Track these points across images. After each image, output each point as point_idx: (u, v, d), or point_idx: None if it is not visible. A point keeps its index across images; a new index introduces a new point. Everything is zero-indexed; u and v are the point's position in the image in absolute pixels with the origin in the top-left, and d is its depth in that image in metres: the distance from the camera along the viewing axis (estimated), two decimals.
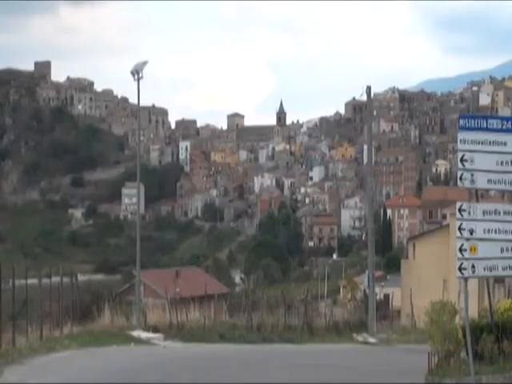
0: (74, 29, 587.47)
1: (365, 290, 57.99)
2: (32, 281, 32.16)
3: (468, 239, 17.27)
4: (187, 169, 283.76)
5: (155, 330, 37.30)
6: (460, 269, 17.28)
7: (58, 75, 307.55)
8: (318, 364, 28.07)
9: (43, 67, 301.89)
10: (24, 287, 30.43)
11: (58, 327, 33.26)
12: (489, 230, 17.44)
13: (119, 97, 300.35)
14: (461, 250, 17.26)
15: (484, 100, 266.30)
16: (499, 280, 21.36)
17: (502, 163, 17.70)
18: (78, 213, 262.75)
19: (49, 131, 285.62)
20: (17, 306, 29.58)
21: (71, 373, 23.04)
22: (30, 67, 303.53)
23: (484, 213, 17.51)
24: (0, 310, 27.95)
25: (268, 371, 25.80)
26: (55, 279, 36.12)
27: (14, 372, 22.23)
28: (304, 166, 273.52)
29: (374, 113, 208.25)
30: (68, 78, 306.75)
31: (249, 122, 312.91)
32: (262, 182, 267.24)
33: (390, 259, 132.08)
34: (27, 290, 30.83)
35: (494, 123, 18.09)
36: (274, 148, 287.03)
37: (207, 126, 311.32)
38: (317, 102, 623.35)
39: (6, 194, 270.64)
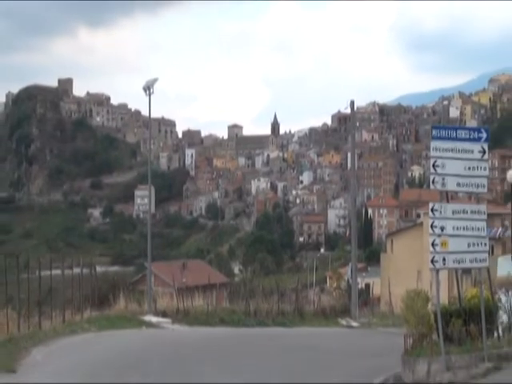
0: (92, 49, 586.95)
1: (348, 280, 58.06)
2: (56, 271, 32.23)
3: (439, 235, 17.27)
4: (192, 173, 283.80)
5: (164, 314, 37.33)
6: (432, 261, 17.29)
7: (78, 91, 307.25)
8: (306, 345, 28.08)
9: (65, 83, 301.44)
10: (49, 277, 30.51)
11: (78, 312, 33.27)
12: (458, 227, 17.45)
13: (133, 110, 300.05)
14: (433, 244, 17.28)
15: (453, 113, 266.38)
16: (467, 271, 21.34)
17: (469, 168, 17.73)
18: (96, 212, 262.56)
19: (70, 140, 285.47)
20: (42, 294, 29.60)
21: (90, 352, 23.04)
22: (54, 83, 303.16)
23: (453, 212, 17.52)
24: (28, 297, 27.99)
25: (261, 351, 25.85)
26: (76, 270, 36.12)
27: (41, 352, 22.23)
28: (295, 171, 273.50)
29: (357, 124, 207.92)
30: (87, 93, 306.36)
31: (247, 132, 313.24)
32: (258, 184, 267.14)
33: (371, 253, 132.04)
34: (51, 279, 30.91)
35: (462, 133, 18.11)
36: (268, 155, 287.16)
37: (210, 136, 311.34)
38: (306, 114, 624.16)
39: (33, 196, 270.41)
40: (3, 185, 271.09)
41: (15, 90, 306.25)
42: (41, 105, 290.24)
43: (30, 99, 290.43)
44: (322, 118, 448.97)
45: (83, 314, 33.30)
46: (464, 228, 17.53)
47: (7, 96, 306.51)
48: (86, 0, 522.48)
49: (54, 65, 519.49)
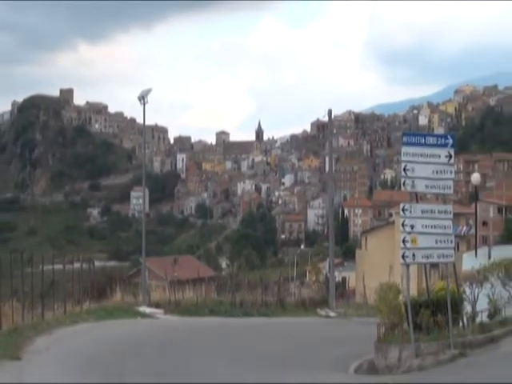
0: (91, 62, 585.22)
1: (326, 274, 58.13)
2: (57, 266, 32.12)
3: (409, 233, 17.34)
4: (183, 176, 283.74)
5: (157, 306, 37.25)
6: (403, 257, 17.36)
7: (78, 100, 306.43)
8: (287, 333, 28.14)
9: (67, 93, 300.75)
10: (51, 272, 30.37)
11: (78, 304, 33.16)
12: (426, 226, 17.52)
13: (128, 117, 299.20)
14: (403, 241, 17.35)
15: (422, 121, 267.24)
16: (434, 266, 21.40)
17: (436, 172, 17.81)
18: (94, 211, 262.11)
19: (71, 145, 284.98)
20: (45, 287, 29.51)
21: (89, 340, 23.00)
22: (56, 93, 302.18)
23: (422, 212, 17.60)
24: (32, 290, 27.90)
25: (245, 338, 25.93)
26: (76, 265, 36.05)
27: (44, 340, 22.15)
28: (277, 174, 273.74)
29: (334, 131, 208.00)
30: (87, 102, 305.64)
31: (233, 138, 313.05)
32: (244, 186, 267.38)
33: (347, 249, 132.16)
34: (54, 274, 30.76)
35: (430, 140, 18.19)
36: (253, 159, 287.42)
37: (199, 142, 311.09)
38: (288, 122, 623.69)
39: (36, 196, 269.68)
40: (9, 186, 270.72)
41: (20, 99, 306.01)
42: (44, 113, 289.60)
43: (33, 108, 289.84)
44: (302, 126, 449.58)
45: (83, 306, 33.21)
46: (432, 226, 17.60)
47: (13, 104, 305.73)
48: (85, 17, 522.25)
49: (56, 76, 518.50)
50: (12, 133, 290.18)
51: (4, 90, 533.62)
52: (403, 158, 17.69)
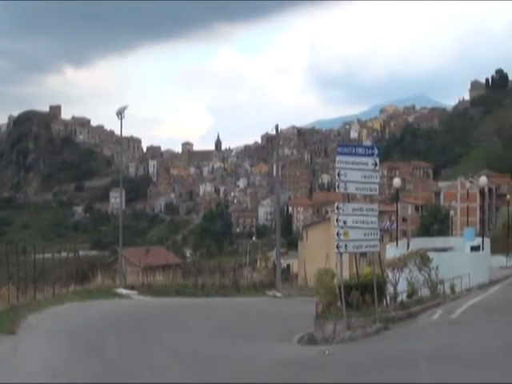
0: (76, 83, 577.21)
1: (274, 261, 58.18)
2: (47, 255, 31.75)
3: (342, 227, 17.43)
4: (154, 179, 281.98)
5: (132, 288, 36.93)
6: (337, 247, 17.45)
7: (65, 115, 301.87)
8: (241, 310, 28.11)
9: (55, 109, 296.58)
10: (42, 260, 30.04)
11: (65, 287, 32.80)
12: (356, 221, 17.62)
13: (108, 130, 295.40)
14: (337, 234, 17.43)
15: (353, 135, 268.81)
16: (363, 254, 21.58)
17: (365, 177, 17.93)
18: (79, 209, 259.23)
19: (59, 153, 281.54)
20: (37, 273, 29.16)
21: (75, 317, 22.78)
22: (46, 109, 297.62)
23: (353, 210, 17.70)
24: (25, 276, 27.57)
25: (206, 313, 25.90)
26: (63, 254, 35.63)
27: (35, 317, 21.89)
28: (233, 178, 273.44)
29: (280, 142, 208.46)
30: (73, 116, 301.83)
31: (196, 147, 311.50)
32: (205, 188, 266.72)
33: (291, 240, 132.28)
34: (44, 261, 30.44)
35: (359, 150, 18.32)
36: (213, 166, 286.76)
37: (168, 150, 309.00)
38: (242, 134, 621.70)
39: (29, 196, 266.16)
40: (6, 187, 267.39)
41: (15, 113, 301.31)
42: (36, 126, 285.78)
43: (27, 121, 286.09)
44: (253, 138, 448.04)
45: (69, 288, 32.85)
46: (361, 222, 17.72)
47: (9, 118, 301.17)
48: (71, 46, 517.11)
49: (46, 95, 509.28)
50: (8, 142, 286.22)
51: (2, 106, 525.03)
52: (337, 165, 17.78)
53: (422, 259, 23.38)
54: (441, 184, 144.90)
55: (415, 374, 11.60)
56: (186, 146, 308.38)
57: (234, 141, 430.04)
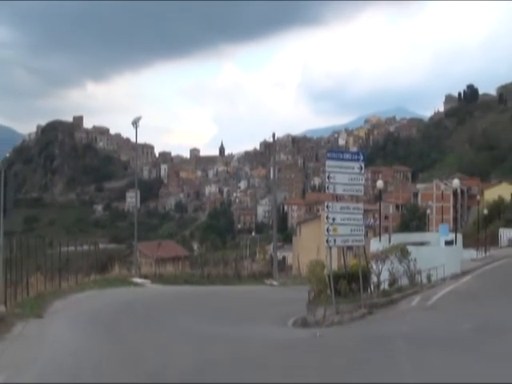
0: (96, 96, 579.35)
1: (271, 254, 58.23)
2: (71, 248, 31.80)
3: (331, 224, 17.45)
4: (165, 181, 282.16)
5: (146, 277, 36.97)
6: (327, 241, 17.46)
7: (87, 124, 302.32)
8: (242, 297, 28.12)
9: (78, 119, 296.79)
10: (66, 252, 30.07)
11: (86, 276, 32.84)
12: (344, 219, 17.65)
13: (124, 137, 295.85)
14: (327, 230, 17.45)
15: (341, 142, 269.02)
16: (350, 248, 21.62)
17: (351, 179, 17.96)
18: (99, 207, 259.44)
19: (81, 158, 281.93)
20: (61, 264, 29.18)
21: (95, 302, 22.78)
22: (70, 119, 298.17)
23: (341, 208, 17.72)
24: (52, 266, 27.57)
25: (211, 300, 25.90)
26: (85, 247, 35.71)
27: (60, 303, 21.89)
28: (235, 180, 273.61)
29: (277, 148, 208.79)
30: (93, 126, 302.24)
31: (202, 153, 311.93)
32: (210, 189, 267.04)
33: (286, 235, 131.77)
34: (68, 253, 30.47)
35: (347, 156, 18.35)
36: (217, 169, 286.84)
37: (178, 156, 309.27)
38: (243, 141, 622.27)
39: (55, 196, 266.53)
40: (34, 188, 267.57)
41: (43, 123, 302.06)
42: (61, 134, 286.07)
43: (53, 130, 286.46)
44: (253, 145, 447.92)
45: (90, 277, 32.89)
46: (348, 219, 17.75)
47: (37, 127, 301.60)
48: (91, 63, 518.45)
49: (70, 107, 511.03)
50: (37, 148, 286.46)
51: (31, 117, 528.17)
52: (327, 168, 17.81)
53: (402, 252, 23.38)
54: (418, 186, 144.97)
55: (396, 352, 11.65)
56: (194, 151, 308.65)
57: (235, 147, 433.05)
